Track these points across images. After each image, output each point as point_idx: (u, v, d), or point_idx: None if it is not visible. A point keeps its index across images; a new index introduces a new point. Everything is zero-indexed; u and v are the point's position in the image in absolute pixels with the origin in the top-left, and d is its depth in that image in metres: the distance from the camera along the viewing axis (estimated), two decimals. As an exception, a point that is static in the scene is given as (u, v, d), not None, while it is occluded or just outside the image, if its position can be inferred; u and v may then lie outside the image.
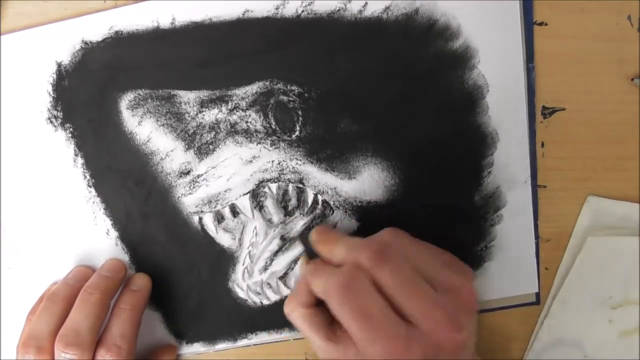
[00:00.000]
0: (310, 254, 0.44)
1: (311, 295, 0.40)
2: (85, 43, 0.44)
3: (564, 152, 0.46)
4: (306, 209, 0.47)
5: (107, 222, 0.47)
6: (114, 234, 0.48)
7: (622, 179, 0.46)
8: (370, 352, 0.36)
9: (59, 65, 0.45)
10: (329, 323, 0.39)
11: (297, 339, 0.49)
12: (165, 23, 0.44)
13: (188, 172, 0.46)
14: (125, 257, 0.48)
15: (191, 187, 0.46)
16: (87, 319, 0.43)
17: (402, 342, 0.35)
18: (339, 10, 0.43)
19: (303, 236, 0.46)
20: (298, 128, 0.45)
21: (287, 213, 0.47)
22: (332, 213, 0.46)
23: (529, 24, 0.44)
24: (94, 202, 0.47)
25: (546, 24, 0.44)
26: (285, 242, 0.47)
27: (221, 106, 0.45)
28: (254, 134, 0.45)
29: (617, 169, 0.46)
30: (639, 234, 0.46)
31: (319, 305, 0.40)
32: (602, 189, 0.47)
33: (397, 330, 0.36)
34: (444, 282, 0.38)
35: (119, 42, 0.44)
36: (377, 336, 0.36)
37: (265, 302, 0.48)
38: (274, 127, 0.45)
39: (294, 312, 0.41)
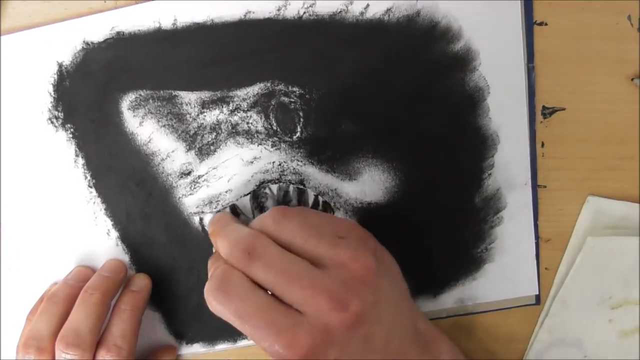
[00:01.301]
0: None
1: None
2: (87, 43, 0.44)
3: (564, 152, 0.46)
4: (307, 210, 0.47)
5: (107, 223, 0.47)
6: (114, 234, 0.48)
7: (622, 179, 0.47)
8: (266, 349, 0.35)
9: (60, 65, 0.45)
10: None
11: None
12: (167, 24, 0.44)
13: (189, 173, 0.46)
14: (125, 258, 0.48)
15: (192, 188, 0.46)
16: (87, 320, 0.43)
17: (288, 333, 0.35)
18: (340, 11, 0.43)
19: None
20: (299, 129, 0.45)
21: (288, 214, 0.47)
22: (333, 214, 0.46)
23: (529, 24, 0.44)
24: (94, 203, 0.47)
25: (546, 24, 0.44)
26: (286, 243, 0.47)
27: (222, 107, 0.45)
28: (255, 135, 0.45)
29: (617, 169, 0.46)
30: (639, 234, 0.46)
31: None
32: (602, 189, 0.47)
33: (280, 323, 0.35)
34: (332, 258, 0.37)
35: (121, 42, 0.44)
36: (263, 334, 0.35)
37: (266, 302, 0.48)
38: (275, 128, 0.45)
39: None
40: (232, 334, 0.49)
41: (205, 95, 0.45)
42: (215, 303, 0.37)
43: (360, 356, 0.36)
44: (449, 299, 0.48)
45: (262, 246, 0.37)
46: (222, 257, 0.39)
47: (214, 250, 0.43)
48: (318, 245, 0.37)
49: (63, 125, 0.46)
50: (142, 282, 0.47)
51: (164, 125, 0.45)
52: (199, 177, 0.46)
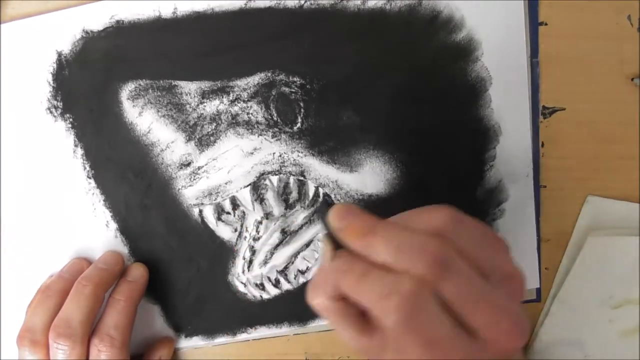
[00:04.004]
0: (333, 239, 0.35)
1: (339, 289, 0.33)
2: (86, 32, 0.44)
3: (564, 152, 0.46)
4: (307, 202, 0.46)
5: (106, 214, 0.47)
6: (113, 225, 0.47)
7: (622, 179, 0.46)
8: None
9: (59, 54, 0.45)
10: (360, 314, 0.33)
11: (296, 334, 0.49)
12: (167, 13, 0.44)
13: (188, 164, 0.46)
14: (124, 250, 0.48)
15: (191, 179, 0.46)
16: (79, 311, 0.42)
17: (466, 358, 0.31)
18: (342, 0, 0.43)
19: (322, 213, 0.41)
20: (300, 120, 0.45)
21: (288, 206, 0.47)
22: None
23: (533, 16, 0.44)
24: (93, 194, 0.47)
25: (546, 24, 0.44)
26: (286, 235, 0.47)
27: (222, 97, 0.45)
28: (255, 126, 0.45)
29: (617, 169, 0.46)
30: (639, 234, 0.46)
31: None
32: (602, 189, 0.47)
33: (462, 347, 0.31)
34: (498, 272, 0.33)
35: (120, 31, 0.44)
36: (439, 357, 0.31)
37: (265, 296, 0.48)
38: (275, 118, 0.45)
39: (321, 304, 0.34)
40: (232, 327, 0.49)
41: (205, 85, 0.44)
42: (400, 324, 0.31)
43: None
44: (451, 293, 0.48)
45: (453, 257, 0.31)
46: (383, 264, 0.32)
47: (326, 250, 0.36)
48: (491, 255, 0.33)
49: (62, 115, 0.46)
50: (137, 272, 0.46)
51: (164, 116, 0.45)
52: (199, 168, 0.46)
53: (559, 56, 0.45)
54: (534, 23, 0.44)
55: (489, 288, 0.32)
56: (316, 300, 0.34)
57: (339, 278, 0.33)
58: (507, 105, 0.44)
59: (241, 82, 0.44)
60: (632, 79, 0.45)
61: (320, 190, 0.46)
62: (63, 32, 0.44)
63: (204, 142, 0.45)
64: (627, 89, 0.45)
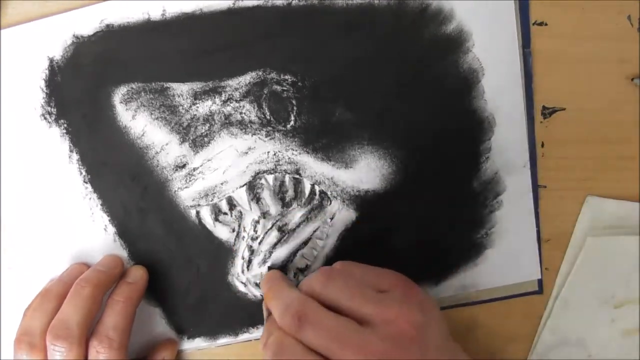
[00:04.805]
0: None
1: None
2: (77, 37, 0.44)
3: (564, 152, 0.46)
4: (303, 200, 0.46)
5: (104, 218, 0.47)
6: (111, 229, 0.47)
7: (622, 179, 0.47)
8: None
9: (51, 60, 0.45)
10: None
11: (298, 332, 0.49)
12: (155, 15, 0.44)
13: (184, 166, 0.46)
14: (123, 253, 0.48)
15: (187, 181, 0.46)
16: (77, 312, 0.42)
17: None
18: (330, -4, 0.43)
19: None
20: (293, 118, 0.45)
21: (285, 204, 0.46)
22: (330, 203, 0.46)
23: (524, 7, 0.43)
24: (90, 199, 0.47)
25: (546, 24, 0.44)
26: (284, 234, 0.47)
27: (215, 97, 0.44)
28: (249, 125, 0.45)
29: (617, 169, 0.46)
30: (639, 234, 0.46)
31: None
32: (602, 189, 0.47)
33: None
34: (379, 316, 0.38)
35: (111, 35, 0.44)
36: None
37: (266, 295, 0.48)
38: (268, 117, 0.45)
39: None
40: (233, 327, 0.49)
41: (197, 86, 0.44)
42: None
43: None
44: (451, 287, 0.48)
45: (311, 311, 0.38)
46: (276, 322, 0.40)
47: (264, 310, 0.44)
48: (363, 303, 0.38)
49: (56, 120, 0.46)
50: (137, 274, 0.47)
51: (157, 118, 0.45)
52: (194, 169, 0.46)
53: (559, 56, 0.45)
54: (524, 13, 0.43)
55: (357, 331, 0.37)
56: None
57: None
58: (500, 96, 0.44)
59: (233, 82, 0.44)
60: (632, 79, 0.45)
61: (317, 188, 0.46)
62: (54, 38, 0.44)
63: (198, 144, 0.45)
64: (627, 89, 0.45)
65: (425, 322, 0.38)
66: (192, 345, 0.50)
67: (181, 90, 0.45)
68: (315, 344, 0.37)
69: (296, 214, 0.47)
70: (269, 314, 0.42)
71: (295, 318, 0.38)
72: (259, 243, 0.47)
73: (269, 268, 0.47)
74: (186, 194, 0.46)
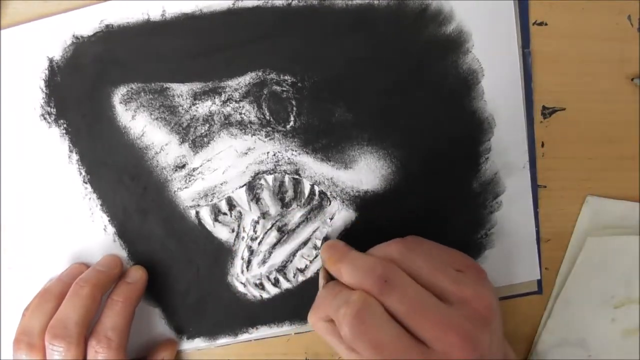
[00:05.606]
0: (325, 270, 0.43)
1: (325, 311, 0.40)
2: (76, 37, 0.44)
3: (564, 152, 0.46)
4: (303, 200, 0.46)
5: (104, 218, 0.47)
6: (111, 230, 0.47)
7: (622, 179, 0.46)
8: None
9: (51, 60, 0.45)
10: None
11: (298, 333, 0.49)
12: (155, 15, 0.44)
13: (183, 166, 0.46)
14: (123, 253, 0.48)
15: (187, 181, 0.46)
16: (75, 312, 0.43)
17: None
18: (329, -3, 0.43)
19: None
20: (292, 118, 0.45)
21: (284, 205, 0.46)
22: (330, 204, 0.46)
23: (524, 7, 0.43)
24: (90, 199, 0.47)
25: (546, 24, 0.44)
26: (283, 234, 0.47)
27: (214, 98, 0.44)
28: (249, 126, 0.45)
29: (617, 169, 0.46)
30: (639, 234, 0.46)
31: None
32: (602, 189, 0.47)
33: (408, 351, 0.35)
34: (457, 294, 0.37)
35: (110, 35, 0.44)
36: (387, 358, 0.35)
37: (265, 296, 0.48)
38: (268, 117, 0.45)
39: (316, 324, 0.41)
40: (233, 328, 0.49)
41: (197, 86, 0.44)
42: (350, 330, 0.36)
43: None
44: (451, 287, 0.48)
45: (397, 276, 0.37)
46: (347, 285, 0.39)
47: (320, 279, 0.43)
48: (443, 279, 0.38)
49: (56, 121, 0.46)
50: (136, 275, 0.47)
51: (157, 118, 0.45)
52: (194, 169, 0.46)
53: (559, 56, 0.45)
54: (524, 13, 0.43)
55: (438, 305, 0.36)
56: (310, 320, 0.42)
57: (323, 302, 0.40)
58: (500, 96, 0.44)
59: (232, 82, 0.44)
60: (632, 79, 0.45)
61: (316, 188, 0.46)
62: (53, 38, 0.44)
63: (197, 144, 0.45)
64: (627, 89, 0.45)
65: (496, 309, 0.38)
66: (192, 346, 0.50)
67: (181, 90, 0.45)
68: (398, 310, 0.36)
69: (296, 215, 0.47)
70: (328, 280, 0.42)
71: (382, 280, 0.37)
72: (259, 243, 0.47)
73: (324, 239, 0.46)
74: (186, 194, 0.46)
